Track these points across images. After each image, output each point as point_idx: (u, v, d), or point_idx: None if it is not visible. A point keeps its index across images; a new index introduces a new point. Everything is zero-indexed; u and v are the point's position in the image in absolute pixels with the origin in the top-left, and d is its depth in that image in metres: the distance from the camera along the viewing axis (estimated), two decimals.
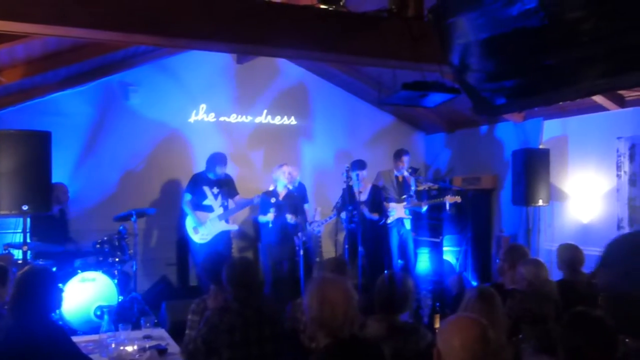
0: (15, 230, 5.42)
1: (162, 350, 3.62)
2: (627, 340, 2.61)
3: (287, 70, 7.76)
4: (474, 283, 6.81)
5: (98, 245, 5.90)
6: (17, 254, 5.27)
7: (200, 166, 6.80)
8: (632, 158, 5.71)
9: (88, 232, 6.45)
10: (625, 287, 4.03)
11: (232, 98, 7.49)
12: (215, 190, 6.51)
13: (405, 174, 6.96)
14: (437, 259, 7.38)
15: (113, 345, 3.49)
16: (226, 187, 6.60)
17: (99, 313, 5.37)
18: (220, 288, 3.45)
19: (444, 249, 7.39)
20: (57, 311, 5.20)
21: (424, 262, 7.47)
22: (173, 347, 3.72)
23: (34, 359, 2.79)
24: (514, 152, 6.59)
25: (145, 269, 6.90)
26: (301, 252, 5.83)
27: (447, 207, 6.82)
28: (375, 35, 3.81)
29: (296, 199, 6.47)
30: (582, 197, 6.25)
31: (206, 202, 6.48)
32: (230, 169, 6.85)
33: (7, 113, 6.14)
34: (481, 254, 7.29)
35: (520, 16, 2.10)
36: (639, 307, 3.43)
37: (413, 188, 7.02)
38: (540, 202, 6.33)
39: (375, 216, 6.61)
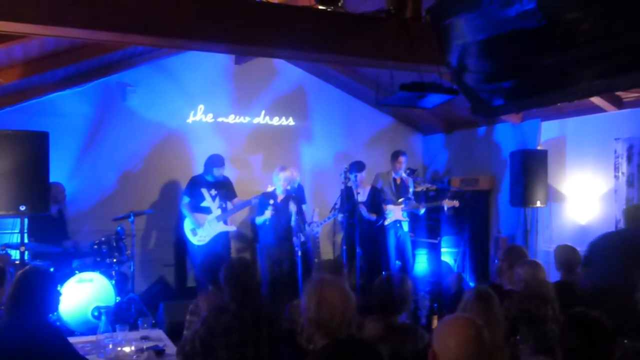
0: (13, 231, 5.41)
1: (159, 352, 3.61)
2: (625, 341, 2.62)
3: (285, 71, 7.76)
4: (472, 284, 6.82)
5: (96, 246, 5.89)
6: (15, 254, 5.26)
7: (198, 167, 6.79)
8: (629, 159, 5.71)
9: (86, 233, 6.46)
10: (605, 284, 4.05)
11: (231, 99, 7.48)
12: (213, 192, 6.50)
13: (404, 175, 6.97)
14: (435, 260, 7.38)
15: (110, 346, 3.48)
16: (224, 189, 6.59)
17: (96, 314, 5.36)
18: (218, 289, 3.44)
19: (442, 250, 7.39)
20: (55, 312, 5.19)
21: (421, 263, 7.47)
22: (170, 348, 3.71)
23: (30, 359, 2.78)
24: (512, 153, 6.59)
25: (143, 269, 6.89)
26: (299, 253, 5.83)
27: (445, 209, 6.82)
28: (373, 36, 3.81)
29: (295, 199, 6.46)
30: (579, 199, 6.25)
31: (204, 204, 6.47)
32: (228, 170, 6.84)
33: (4, 113, 6.13)
34: (479, 255, 7.29)
35: (518, 17, 2.10)
36: (619, 304, 3.45)
37: (411, 190, 7.02)
38: (538, 203, 6.33)
39: (373, 216, 6.61)
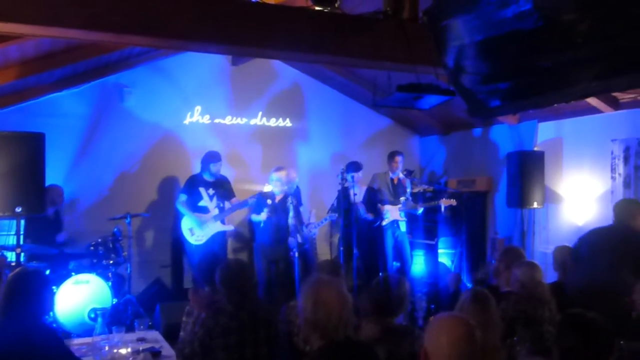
0: (9, 233, 5.39)
1: (156, 353, 3.60)
2: (621, 342, 2.62)
3: (282, 72, 7.76)
4: (469, 285, 6.82)
5: (92, 247, 5.88)
6: (11, 256, 5.24)
7: (195, 168, 6.79)
8: (626, 160, 5.72)
9: (82, 234, 6.43)
10: (594, 282, 4.03)
11: (228, 100, 7.48)
12: (211, 191, 6.50)
13: (401, 175, 6.97)
14: (432, 261, 7.39)
15: (107, 348, 3.47)
16: (222, 188, 6.59)
17: (92, 315, 5.35)
18: (214, 290, 3.43)
19: (439, 251, 7.39)
20: (51, 313, 5.18)
21: (419, 264, 7.48)
22: (167, 350, 3.70)
23: None
24: (509, 155, 6.59)
25: (139, 271, 6.87)
26: (296, 254, 5.82)
27: (442, 209, 6.83)
28: (371, 37, 3.81)
29: (293, 200, 6.46)
30: (576, 200, 6.26)
31: (201, 204, 6.47)
32: (226, 171, 6.84)
33: (0, 114, 6.10)
34: (476, 256, 7.30)
35: (515, 18, 2.10)
36: (612, 304, 3.44)
37: (409, 190, 7.02)
38: (535, 205, 6.33)
39: (370, 216, 6.61)
